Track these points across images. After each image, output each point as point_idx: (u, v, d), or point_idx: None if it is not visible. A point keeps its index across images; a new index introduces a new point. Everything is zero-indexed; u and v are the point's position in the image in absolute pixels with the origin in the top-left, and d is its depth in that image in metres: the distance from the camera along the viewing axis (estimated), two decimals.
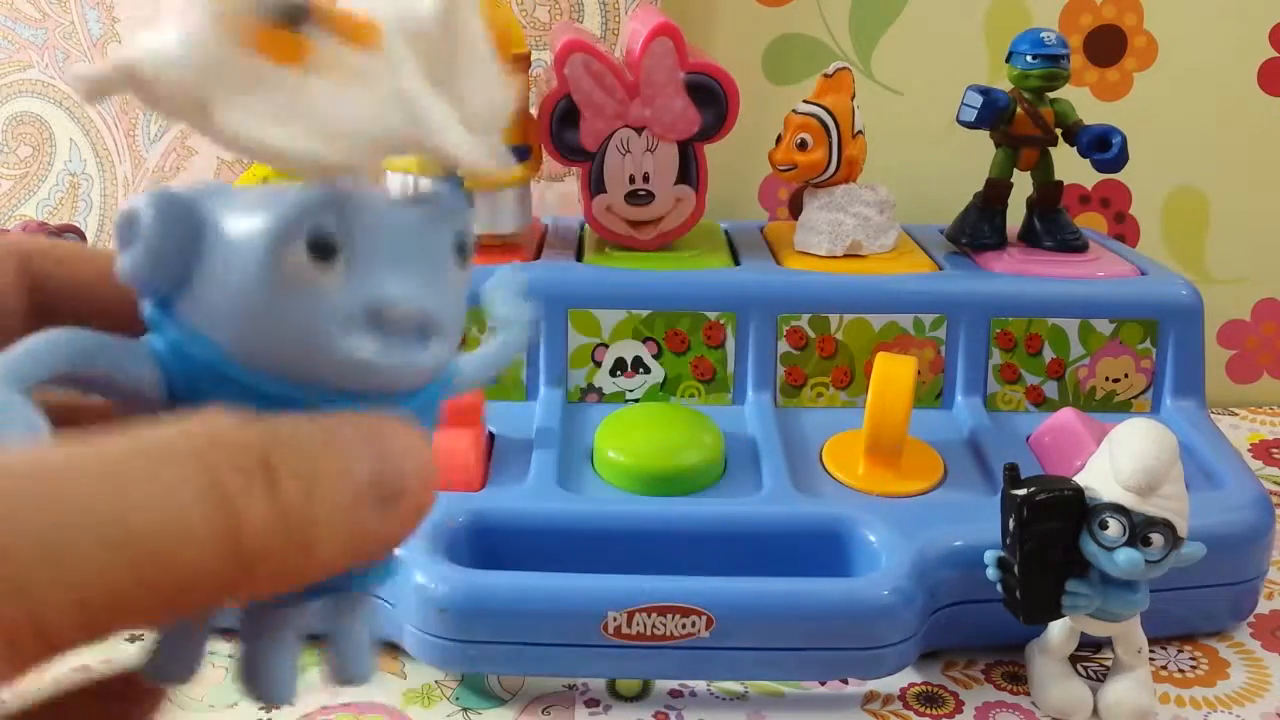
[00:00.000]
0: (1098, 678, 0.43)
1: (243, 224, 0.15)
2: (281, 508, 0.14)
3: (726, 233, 0.61)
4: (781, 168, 0.55)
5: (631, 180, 0.54)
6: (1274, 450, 0.65)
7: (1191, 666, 0.45)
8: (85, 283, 0.19)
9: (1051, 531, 0.39)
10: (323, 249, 0.15)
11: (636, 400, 0.53)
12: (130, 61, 0.14)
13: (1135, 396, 0.54)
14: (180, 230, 0.16)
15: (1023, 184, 0.57)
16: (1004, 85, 0.56)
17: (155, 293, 0.16)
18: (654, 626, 0.39)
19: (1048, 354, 0.53)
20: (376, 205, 0.16)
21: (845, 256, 0.55)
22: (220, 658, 0.43)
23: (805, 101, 0.55)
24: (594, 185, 0.54)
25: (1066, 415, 0.49)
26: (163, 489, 0.14)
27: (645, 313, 0.52)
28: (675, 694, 0.42)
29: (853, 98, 0.55)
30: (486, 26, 0.15)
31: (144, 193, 0.16)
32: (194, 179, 0.68)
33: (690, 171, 0.54)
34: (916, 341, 0.53)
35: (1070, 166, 0.57)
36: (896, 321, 0.53)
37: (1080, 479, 0.39)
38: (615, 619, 0.39)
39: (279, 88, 0.15)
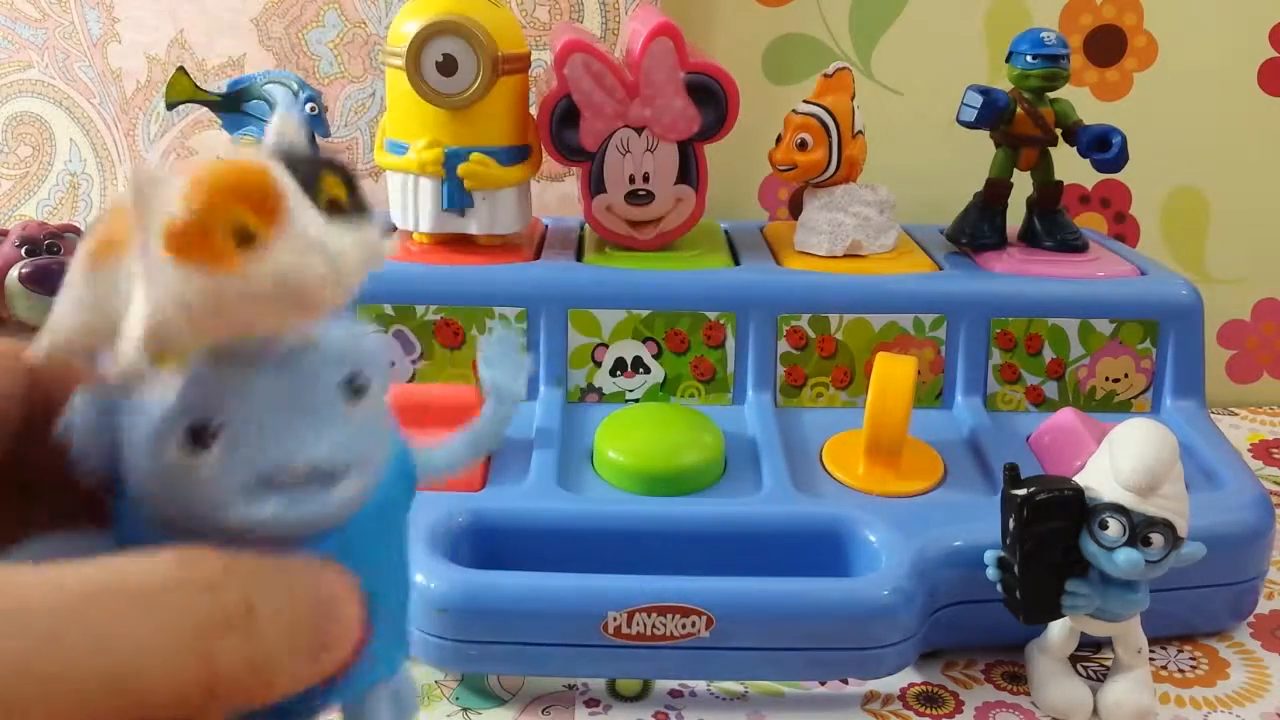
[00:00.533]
0: (1098, 678, 0.43)
1: (136, 422, 0.17)
2: (256, 651, 0.16)
3: (726, 233, 0.61)
4: (781, 168, 0.55)
5: (631, 180, 0.54)
6: (1274, 450, 0.65)
7: (1191, 666, 0.45)
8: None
9: (1051, 531, 0.39)
10: (201, 437, 0.16)
11: (636, 400, 0.53)
12: None
13: (1135, 396, 0.54)
14: (101, 431, 0.17)
15: (1023, 184, 0.57)
16: (1004, 85, 0.56)
17: (117, 485, 0.18)
18: (654, 626, 0.39)
19: (1048, 354, 0.53)
20: (253, 376, 0.17)
21: (845, 256, 0.55)
22: None
23: (805, 101, 0.55)
24: (594, 185, 0.54)
25: (1066, 415, 0.49)
26: (148, 634, 0.15)
27: (645, 313, 0.52)
28: (675, 694, 0.42)
29: (853, 98, 0.55)
30: (163, 228, 0.16)
31: (80, 399, 0.17)
32: None
33: (690, 171, 0.54)
34: (916, 341, 0.53)
35: (1070, 166, 0.57)
36: (896, 321, 0.53)
37: (1080, 479, 0.40)
38: (615, 619, 0.39)
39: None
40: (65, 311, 0.17)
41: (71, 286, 0.17)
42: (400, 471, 0.19)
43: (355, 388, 0.18)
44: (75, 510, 0.19)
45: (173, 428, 0.16)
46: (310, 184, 0.17)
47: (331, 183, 0.17)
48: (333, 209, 0.17)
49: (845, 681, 0.43)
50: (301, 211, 0.16)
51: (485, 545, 0.43)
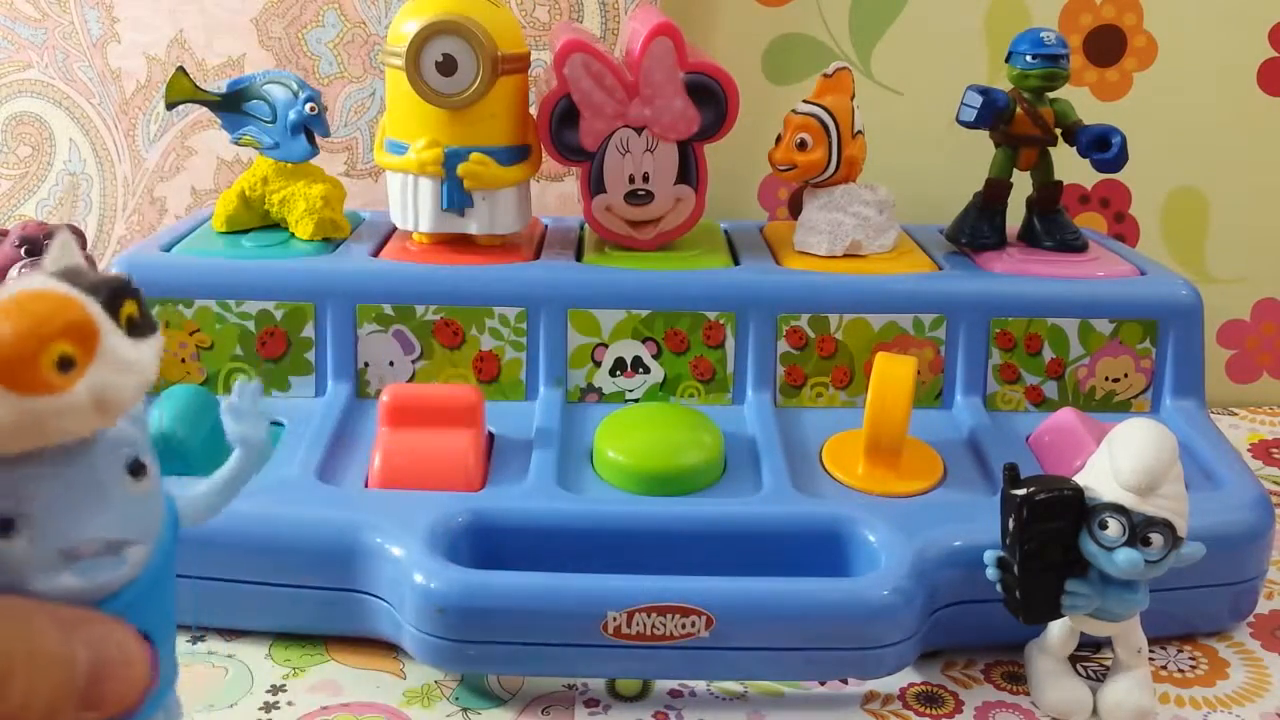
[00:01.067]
0: (1097, 678, 0.43)
1: None
2: (9, 708, 0.18)
3: (726, 233, 0.61)
4: (781, 168, 0.55)
5: (631, 180, 0.54)
6: (1274, 450, 0.65)
7: (1191, 666, 0.45)
8: None
9: (1051, 531, 0.39)
10: (5, 527, 0.19)
11: (636, 400, 0.53)
12: None
13: (1135, 396, 0.54)
14: None
15: (1022, 184, 0.57)
16: (1004, 85, 0.56)
17: None
18: (654, 626, 0.39)
19: (1047, 354, 0.53)
20: (45, 470, 0.19)
21: (845, 256, 0.55)
22: (219, 658, 0.43)
23: (805, 101, 0.55)
24: (594, 185, 0.54)
25: (1066, 415, 0.50)
26: None
27: (645, 313, 0.52)
28: (675, 694, 0.42)
29: (852, 98, 0.55)
30: None
31: None
32: (192, 179, 0.68)
33: (690, 171, 0.54)
34: (916, 341, 0.53)
35: (1070, 166, 0.57)
36: (896, 321, 0.53)
37: (1080, 479, 0.40)
38: (615, 619, 0.39)
39: None
40: None
41: None
42: (170, 526, 0.23)
43: (135, 467, 0.21)
44: None
45: None
46: (112, 307, 0.19)
47: (129, 305, 0.20)
48: (130, 326, 0.20)
49: (845, 681, 0.43)
50: (111, 335, 0.19)
51: (485, 545, 0.43)
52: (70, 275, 0.20)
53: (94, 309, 0.19)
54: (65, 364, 0.18)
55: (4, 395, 0.18)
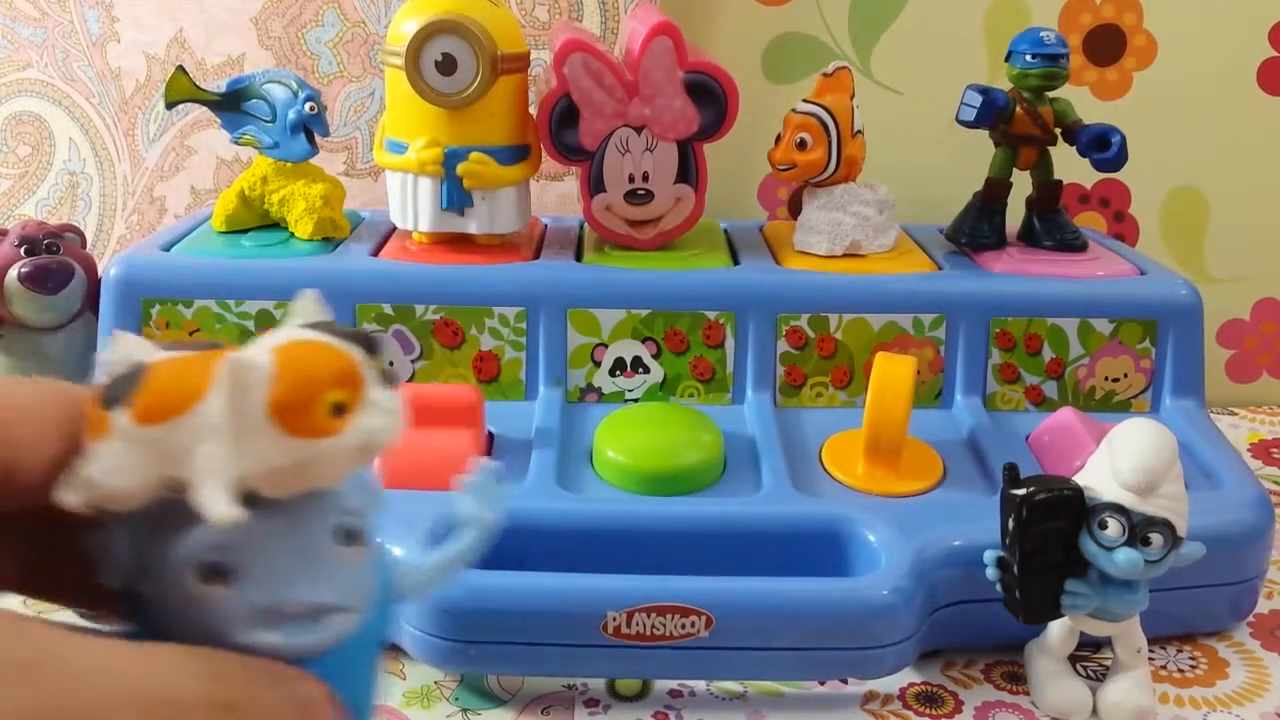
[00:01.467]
0: (1097, 677, 0.43)
1: (159, 553, 0.20)
2: None
3: (726, 232, 0.61)
4: (781, 167, 0.55)
5: (631, 180, 0.54)
6: (1273, 450, 0.65)
7: (1191, 666, 0.45)
8: None
9: (1051, 531, 0.39)
10: (213, 573, 0.19)
11: (636, 400, 0.53)
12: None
13: (1135, 396, 0.54)
14: (126, 556, 0.20)
15: (1022, 183, 0.57)
16: (1003, 85, 0.56)
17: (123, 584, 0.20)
18: (653, 626, 0.39)
19: (1047, 354, 0.53)
20: (266, 528, 0.20)
21: (845, 256, 0.55)
22: None
23: (805, 101, 0.55)
24: (593, 185, 0.54)
25: (1066, 415, 0.49)
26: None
27: (644, 312, 0.52)
28: (675, 694, 0.42)
29: (852, 97, 0.55)
30: (271, 394, 0.19)
31: (110, 521, 0.20)
32: (192, 178, 0.68)
33: (690, 171, 0.54)
34: (916, 341, 0.53)
35: (1070, 166, 0.57)
36: (896, 321, 0.53)
37: (1080, 479, 0.40)
38: (615, 619, 0.39)
39: (87, 455, 0.19)
40: (109, 465, 0.19)
41: (119, 441, 0.19)
42: (383, 597, 0.22)
43: (349, 534, 0.21)
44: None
45: (190, 566, 0.19)
46: (370, 358, 0.20)
47: (377, 358, 0.21)
48: (382, 377, 0.21)
49: (845, 681, 0.43)
50: (373, 384, 0.20)
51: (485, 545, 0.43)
52: (326, 329, 0.20)
53: (359, 358, 0.20)
54: (338, 409, 0.19)
55: (281, 438, 0.19)
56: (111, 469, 0.19)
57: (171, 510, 0.19)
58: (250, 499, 0.19)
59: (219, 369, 0.19)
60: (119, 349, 0.20)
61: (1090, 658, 0.45)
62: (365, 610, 0.21)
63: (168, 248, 0.54)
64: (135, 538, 0.20)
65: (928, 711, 0.42)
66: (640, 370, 0.53)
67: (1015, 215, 0.59)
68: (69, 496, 0.19)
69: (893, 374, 0.46)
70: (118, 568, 0.20)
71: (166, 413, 0.19)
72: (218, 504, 0.18)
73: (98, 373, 0.20)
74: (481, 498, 0.26)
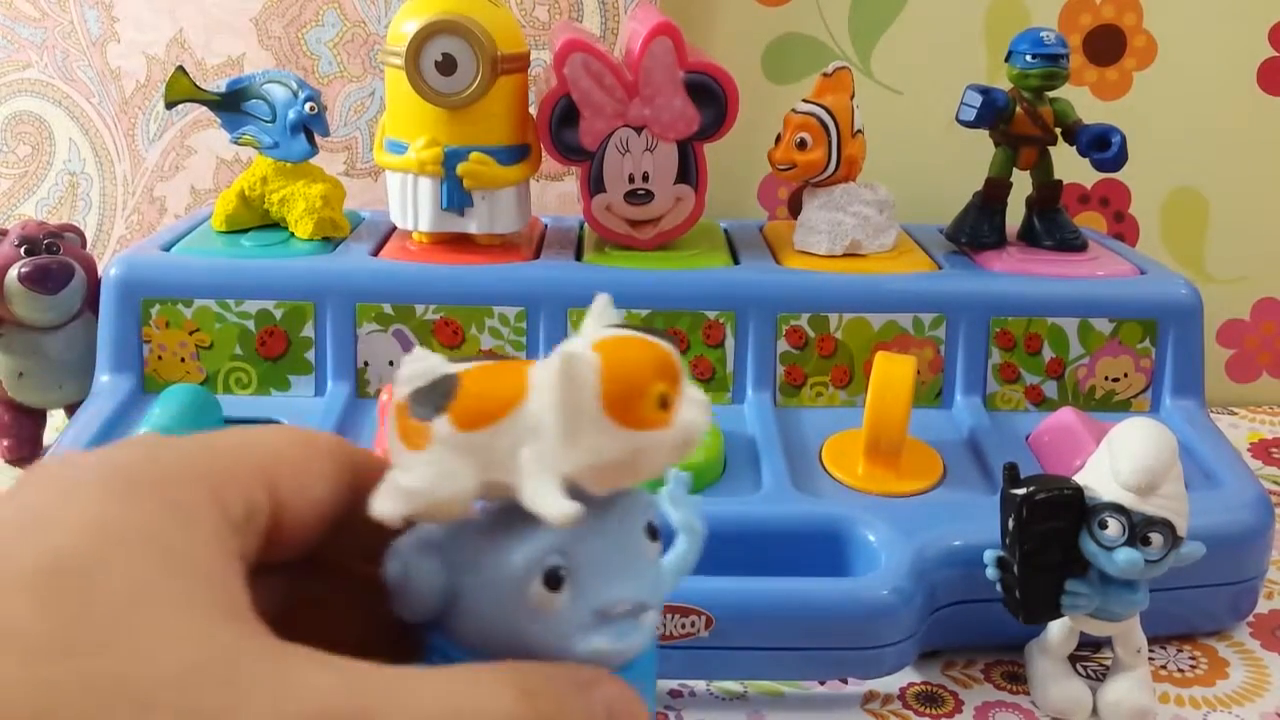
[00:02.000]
0: (1097, 677, 0.43)
1: (489, 566, 0.19)
2: None
3: (726, 232, 0.61)
4: (781, 167, 0.55)
5: (631, 180, 0.54)
6: (1273, 450, 0.65)
7: (1191, 666, 0.45)
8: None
9: (1051, 531, 0.39)
10: (554, 581, 0.19)
11: None
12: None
13: (1135, 396, 0.54)
14: (439, 578, 0.20)
15: (1022, 183, 0.57)
16: (1003, 85, 0.56)
17: (426, 621, 0.20)
18: None
19: (1047, 353, 0.53)
20: (590, 528, 0.19)
21: (845, 256, 0.55)
22: None
23: (805, 101, 0.55)
24: (593, 185, 0.54)
25: (1066, 415, 0.49)
26: None
27: (645, 312, 0.52)
28: (675, 694, 0.42)
29: (852, 97, 0.55)
30: (604, 390, 0.19)
31: (409, 545, 0.20)
32: (192, 178, 0.68)
33: (690, 171, 0.54)
34: (916, 341, 0.53)
35: (1070, 166, 0.57)
36: (896, 321, 0.53)
37: (1080, 479, 0.40)
38: None
39: (404, 466, 0.19)
40: (432, 474, 0.19)
41: (441, 449, 0.19)
42: None
43: (652, 530, 0.21)
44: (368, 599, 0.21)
45: (534, 572, 0.19)
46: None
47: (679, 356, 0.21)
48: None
49: (845, 681, 0.43)
50: (688, 377, 0.20)
51: None
52: (629, 328, 0.21)
53: (675, 352, 0.20)
54: (663, 402, 0.19)
55: (616, 430, 0.19)
56: (435, 477, 0.19)
57: (497, 522, 0.19)
58: (576, 498, 0.19)
59: (550, 366, 0.19)
60: (418, 362, 0.20)
61: (1090, 658, 0.45)
62: (660, 612, 0.21)
63: (168, 248, 0.54)
64: (446, 557, 0.20)
65: (928, 711, 0.42)
66: None
67: (1015, 215, 0.59)
68: (387, 509, 0.19)
69: (893, 374, 0.46)
70: (424, 595, 0.20)
71: (489, 417, 0.19)
72: (557, 503, 0.18)
73: (398, 387, 0.20)
74: (682, 506, 0.25)
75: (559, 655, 0.19)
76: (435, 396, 0.19)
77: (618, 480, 0.20)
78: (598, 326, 0.21)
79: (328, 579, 0.22)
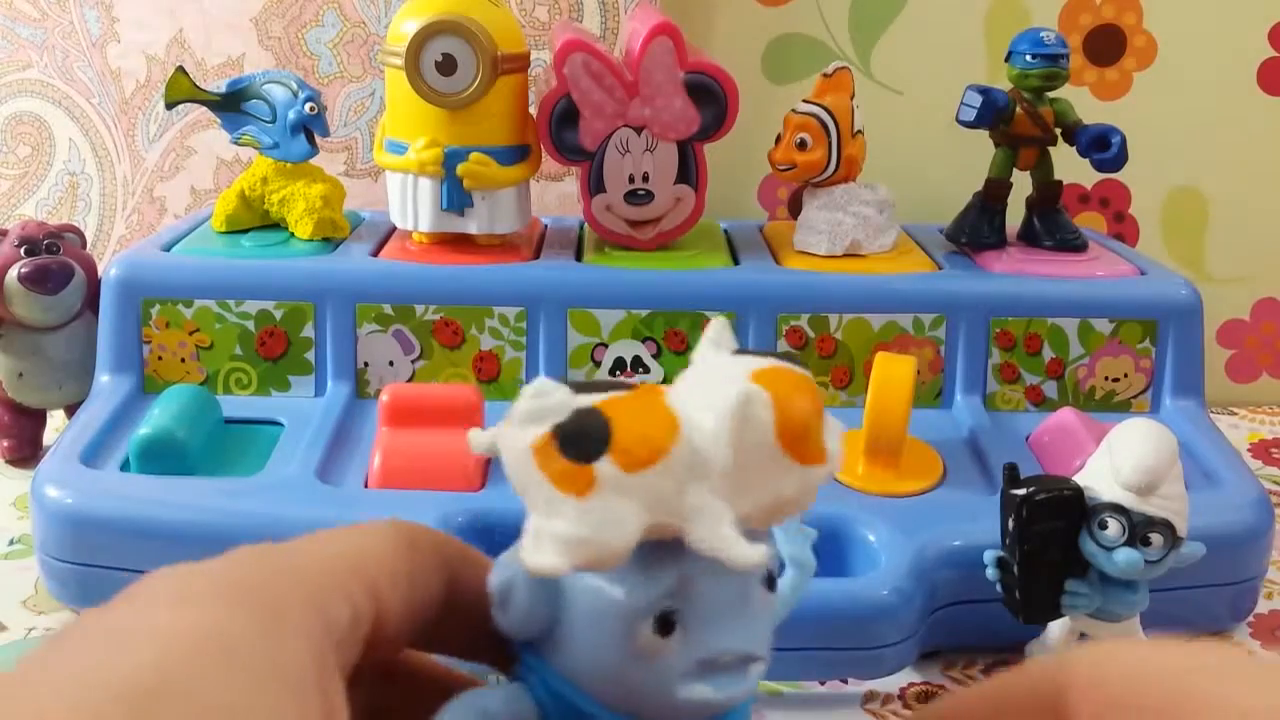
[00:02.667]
0: None
1: (599, 601, 0.19)
2: None
3: (726, 232, 0.61)
4: (781, 167, 0.55)
5: (631, 180, 0.54)
6: (1273, 450, 0.65)
7: None
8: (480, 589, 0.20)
9: (1051, 531, 0.39)
10: (666, 626, 0.18)
11: None
12: (494, 440, 0.19)
13: (1135, 396, 0.54)
14: (546, 603, 0.19)
15: (1022, 184, 0.57)
16: (1004, 85, 0.56)
17: (526, 643, 0.20)
18: None
19: (1047, 353, 0.53)
20: (703, 573, 0.19)
21: (845, 256, 0.55)
22: None
23: (805, 101, 0.55)
24: (593, 185, 0.54)
25: (1066, 415, 0.49)
26: None
27: (645, 312, 0.52)
28: None
29: (852, 97, 0.55)
30: (779, 425, 0.18)
31: (517, 563, 0.19)
32: (192, 179, 0.68)
33: (690, 171, 0.54)
34: (916, 341, 0.53)
35: (1070, 166, 0.57)
36: (896, 321, 0.53)
37: (1080, 479, 0.39)
38: None
39: (556, 511, 0.18)
40: (602, 520, 0.18)
41: (608, 494, 0.18)
42: None
43: (770, 579, 0.20)
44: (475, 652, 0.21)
45: (646, 614, 0.18)
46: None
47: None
48: None
49: (845, 681, 0.43)
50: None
51: (485, 545, 0.43)
52: (760, 354, 0.20)
53: (815, 382, 0.19)
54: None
55: (791, 467, 0.18)
56: (601, 524, 0.18)
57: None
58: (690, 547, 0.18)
59: (721, 404, 0.18)
60: (545, 396, 0.19)
61: None
62: (768, 660, 0.20)
63: (168, 248, 0.54)
64: (548, 591, 0.19)
65: None
66: (640, 370, 0.53)
67: (1015, 215, 0.59)
68: (550, 562, 0.18)
69: (893, 374, 0.46)
70: (525, 615, 0.19)
71: (652, 457, 0.18)
72: (745, 546, 0.17)
73: (530, 425, 0.19)
74: (796, 542, 0.25)
75: (658, 699, 0.19)
76: (593, 436, 0.18)
77: (783, 517, 0.19)
78: (720, 352, 0.20)
79: (402, 683, 0.21)
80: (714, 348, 0.20)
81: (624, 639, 0.18)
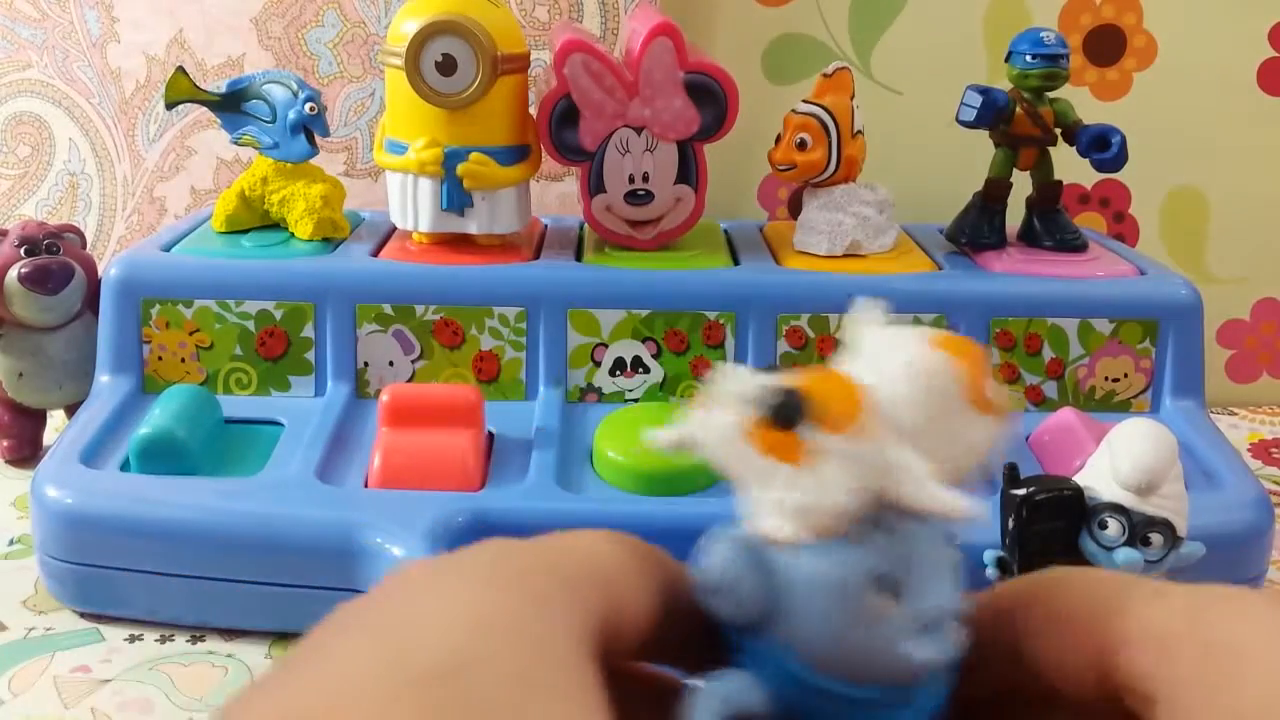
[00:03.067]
0: None
1: (820, 571, 0.19)
2: None
3: (726, 232, 0.61)
4: (781, 167, 0.55)
5: (631, 180, 0.54)
6: (1273, 450, 0.65)
7: None
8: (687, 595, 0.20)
9: (1051, 531, 0.39)
10: (890, 587, 0.19)
11: (636, 400, 0.53)
12: (684, 434, 0.20)
13: (1135, 396, 0.54)
14: (764, 582, 0.19)
15: (1022, 184, 0.57)
16: (1004, 85, 0.56)
17: (742, 626, 0.20)
18: None
19: (1047, 354, 0.53)
20: (911, 532, 0.19)
21: (845, 256, 0.55)
22: (219, 658, 0.43)
23: (805, 101, 0.55)
24: (593, 185, 0.54)
25: (1066, 415, 0.49)
26: None
27: (644, 312, 0.52)
28: None
29: (852, 97, 0.55)
30: (962, 381, 0.20)
31: (728, 546, 0.19)
32: (192, 179, 0.68)
33: (690, 171, 0.54)
34: None
35: (1070, 166, 0.57)
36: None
37: (1080, 479, 0.39)
38: None
39: (774, 482, 0.19)
40: (822, 490, 0.19)
41: (826, 459, 0.19)
42: None
43: (950, 534, 0.20)
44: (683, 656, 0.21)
45: (870, 578, 0.19)
46: None
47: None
48: None
49: None
50: None
51: None
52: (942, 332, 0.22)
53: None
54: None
55: (979, 419, 0.20)
56: (824, 488, 0.19)
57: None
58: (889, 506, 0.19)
59: (911, 369, 0.19)
60: (744, 380, 0.20)
61: None
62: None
63: (168, 248, 0.54)
64: (765, 557, 0.19)
65: None
66: (640, 370, 0.53)
67: (1015, 215, 0.59)
68: (785, 530, 0.19)
69: None
70: (742, 597, 0.19)
71: (851, 419, 0.19)
72: (959, 499, 0.18)
73: (739, 405, 0.19)
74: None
75: (884, 661, 0.19)
76: (797, 406, 0.19)
77: (969, 468, 0.20)
78: (879, 326, 0.22)
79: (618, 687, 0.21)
80: (870, 320, 0.22)
81: (848, 605, 0.19)
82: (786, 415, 0.19)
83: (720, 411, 0.19)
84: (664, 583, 0.20)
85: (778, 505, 0.19)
